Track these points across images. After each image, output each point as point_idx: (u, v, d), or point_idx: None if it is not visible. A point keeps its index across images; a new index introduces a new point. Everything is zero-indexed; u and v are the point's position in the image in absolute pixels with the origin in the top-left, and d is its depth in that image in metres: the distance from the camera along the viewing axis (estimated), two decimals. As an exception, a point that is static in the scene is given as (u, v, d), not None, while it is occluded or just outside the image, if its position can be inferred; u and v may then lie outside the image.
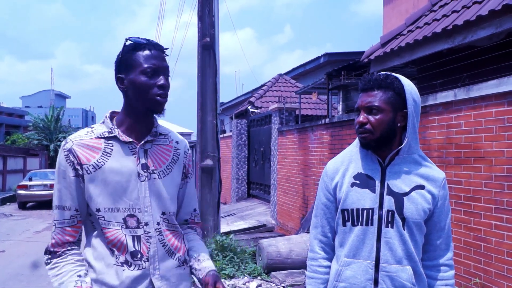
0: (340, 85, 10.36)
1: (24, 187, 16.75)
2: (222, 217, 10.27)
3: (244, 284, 5.62)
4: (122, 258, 1.66)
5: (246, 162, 14.42)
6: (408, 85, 1.80)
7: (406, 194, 1.77)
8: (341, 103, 10.90)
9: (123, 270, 1.65)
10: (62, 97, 73.27)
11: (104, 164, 1.66)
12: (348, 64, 9.86)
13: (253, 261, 6.45)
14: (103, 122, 1.75)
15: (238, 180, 14.37)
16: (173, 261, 1.75)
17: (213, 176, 7.07)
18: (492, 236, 4.16)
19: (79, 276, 1.62)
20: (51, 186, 16.63)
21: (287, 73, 18.35)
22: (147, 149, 1.74)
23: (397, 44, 7.00)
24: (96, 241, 1.68)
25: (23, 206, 16.99)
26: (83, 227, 1.74)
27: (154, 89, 1.65)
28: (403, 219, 1.75)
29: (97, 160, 1.65)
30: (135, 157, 1.70)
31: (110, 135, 1.70)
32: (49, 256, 1.66)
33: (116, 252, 1.66)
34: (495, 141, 4.13)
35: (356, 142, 1.91)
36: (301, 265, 6.08)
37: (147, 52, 1.66)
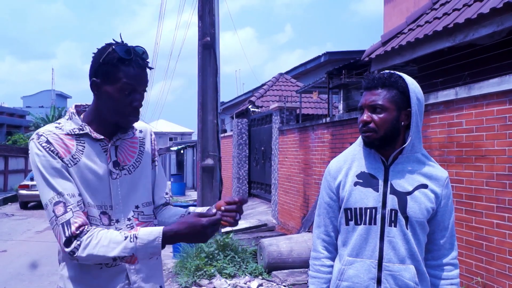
0: (340, 84, 10.34)
1: (26, 187, 16.76)
2: (223, 216, 10.25)
3: (245, 283, 5.62)
4: None
5: (247, 162, 14.41)
6: (412, 83, 1.79)
7: (409, 193, 1.76)
8: (341, 102, 10.89)
9: (101, 268, 1.63)
10: (63, 97, 73.24)
11: (79, 160, 1.62)
12: (348, 63, 9.85)
13: (254, 261, 6.44)
14: (70, 118, 1.68)
15: (239, 180, 14.36)
16: None
17: (214, 175, 7.06)
18: (494, 235, 4.15)
19: (118, 230, 1.57)
20: (53, 186, 16.58)
21: (287, 72, 18.34)
22: (117, 146, 1.71)
23: (398, 43, 6.98)
24: None
25: (24, 206, 17.01)
26: None
27: (128, 108, 1.63)
28: (406, 218, 1.75)
29: (72, 156, 1.61)
30: (106, 155, 1.68)
31: (81, 132, 1.65)
32: (76, 240, 1.50)
33: None
34: (497, 140, 4.12)
35: (359, 141, 1.91)
36: (302, 264, 6.07)
37: (130, 69, 1.59)
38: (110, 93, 1.61)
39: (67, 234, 1.51)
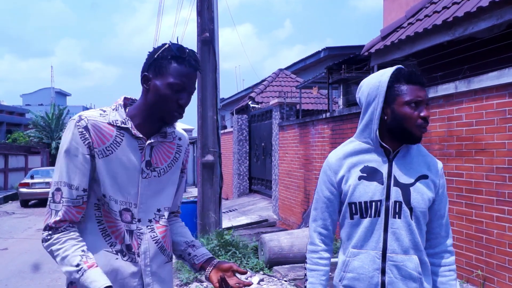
0: (340, 79, 10.33)
1: (26, 185, 16.76)
2: (224, 212, 10.29)
3: (246, 278, 5.63)
4: (118, 247, 1.66)
5: (247, 158, 14.41)
6: None
7: (412, 184, 1.80)
8: (341, 97, 10.89)
9: (117, 259, 1.65)
10: (62, 94, 73.14)
11: (113, 153, 1.64)
12: (348, 58, 9.83)
13: (255, 256, 6.45)
14: (115, 109, 1.71)
15: (240, 176, 14.37)
16: (164, 258, 1.77)
17: (214, 171, 7.07)
18: (494, 228, 4.16)
19: (83, 251, 1.58)
20: (53, 184, 16.61)
21: (287, 68, 18.29)
22: (153, 146, 1.73)
23: (397, 37, 6.98)
24: (89, 226, 1.66)
25: (25, 204, 17.02)
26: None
27: (174, 105, 1.65)
28: (411, 209, 1.78)
29: (106, 147, 1.63)
30: (141, 153, 1.69)
31: (123, 125, 1.67)
32: (49, 232, 1.59)
33: (113, 239, 1.66)
34: (496, 133, 4.12)
35: (358, 134, 1.92)
36: (303, 259, 6.04)
37: (182, 67, 1.63)
38: (159, 88, 1.63)
39: (47, 222, 1.60)
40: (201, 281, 5.59)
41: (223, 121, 22.21)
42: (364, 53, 7.96)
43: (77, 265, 1.53)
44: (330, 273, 1.97)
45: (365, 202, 1.80)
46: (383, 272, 1.78)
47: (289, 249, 6.18)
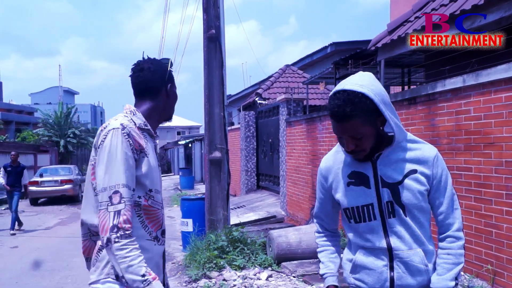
0: (347, 74, 10.27)
1: (35, 183, 16.85)
2: (232, 209, 10.29)
3: (255, 274, 5.64)
4: (154, 234, 1.90)
5: (254, 154, 14.41)
6: (372, 90, 1.70)
7: (400, 182, 1.79)
8: (348, 92, 10.82)
9: (155, 245, 1.90)
10: (70, 93, 73.54)
11: (148, 153, 1.88)
12: (355, 53, 9.77)
13: (263, 252, 6.46)
14: (133, 114, 1.92)
15: (247, 172, 14.38)
16: None
17: (222, 168, 7.07)
18: (503, 222, 4.13)
19: (145, 263, 1.74)
20: (62, 182, 16.79)
21: (294, 64, 18.25)
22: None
23: (404, 31, 6.92)
24: (133, 221, 1.81)
25: (34, 202, 17.13)
26: None
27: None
28: (403, 207, 1.79)
29: (142, 149, 1.86)
30: (155, 149, 2.00)
31: (145, 127, 1.93)
32: (117, 235, 1.70)
33: (150, 229, 1.88)
34: (505, 127, 4.09)
35: None
36: (312, 255, 6.08)
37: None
38: (175, 92, 2.05)
39: (115, 222, 1.71)
40: (209, 278, 5.61)
41: (230, 118, 22.21)
42: (370, 47, 7.92)
43: (143, 275, 1.71)
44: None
45: (357, 208, 1.84)
46: (391, 268, 1.82)
47: (297, 245, 6.19)
